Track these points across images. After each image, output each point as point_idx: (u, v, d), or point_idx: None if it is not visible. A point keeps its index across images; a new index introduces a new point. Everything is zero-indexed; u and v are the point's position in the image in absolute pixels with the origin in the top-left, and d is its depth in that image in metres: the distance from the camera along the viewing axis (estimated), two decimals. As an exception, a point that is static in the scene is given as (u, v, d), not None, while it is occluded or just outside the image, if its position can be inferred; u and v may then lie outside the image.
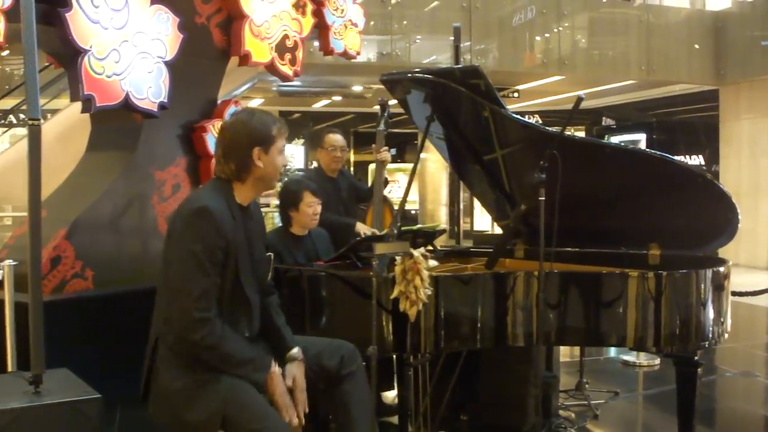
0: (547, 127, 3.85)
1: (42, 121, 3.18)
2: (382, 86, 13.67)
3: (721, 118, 14.48)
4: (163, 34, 5.30)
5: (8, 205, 12.18)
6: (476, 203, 14.12)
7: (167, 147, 5.70)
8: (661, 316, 3.66)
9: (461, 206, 6.99)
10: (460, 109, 3.93)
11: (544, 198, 3.33)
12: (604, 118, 18.41)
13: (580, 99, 3.44)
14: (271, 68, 6.35)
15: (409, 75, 3.97)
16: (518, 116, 3.83)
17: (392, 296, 3.39)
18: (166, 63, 5.33)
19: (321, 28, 6.87)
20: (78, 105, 5.00)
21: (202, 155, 5.89)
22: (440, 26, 12.88)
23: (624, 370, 6.48)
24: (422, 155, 13.05)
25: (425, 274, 3.28)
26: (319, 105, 18.24)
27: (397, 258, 3.34)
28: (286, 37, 6.37)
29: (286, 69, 6.45)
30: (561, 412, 4.99)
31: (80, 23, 4.73)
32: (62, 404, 3.09)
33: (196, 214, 2.86)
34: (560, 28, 13.38)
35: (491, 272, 3.75)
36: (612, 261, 4.11)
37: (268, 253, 3.39)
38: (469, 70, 3.77)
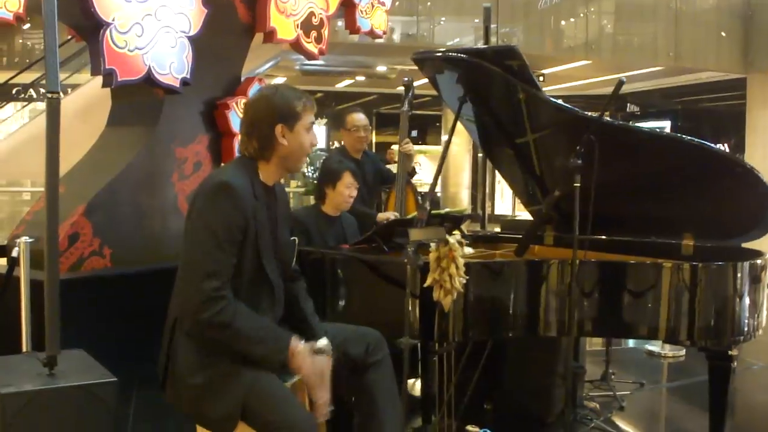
0: (584, 112, 3.69)
1: (61, 94, 3.07)
2: (406, 67, 13.56)
3: (748, 106, 14.23)
4: (187, 8, 5.16)
5: (27, 180, 12.14)
6: (497, 187, 14.06)
7: (189, 124, 5.58)
8: (695, 308, 3.51)
9: (486, 190, 6.82)
10: (494, 90, 3.77)
11: (579, 184, 3.19)
12: (628, 104, 18.19)
13: (621, 83, 3.29)
14: (296, 46, 6.21)
15: (443, 54, 3.82)
16: (554, 99, 3.68)
17: (426, 284, 3.25)
18: (190, 38, 5.21)
19: (347, 6, 6.72)
20: (98, 80, 4.89)
21: (224, 133, 5.78)
22: (464, 8, 12.68)
23: (649, 361, 6.34)
24: (445, 137, 12.86)
25: (461, 261, 3.14)
26: (342, 85, 18.09)
27: (432, 245, 3.20)
28: (312, 14, 6.23)
29: (312, 47, 6.31)
30: (585, 402, 4.86)
31: (103, -5, 4.62)
32: (77, 387, 2.99)
33: (217, 189, 2.74)
34: (588, 13, 13.16)
35: (525, 260, 3.62)
36: (644, 250, 3.96)
37: (292, 237, 3.25)
38: (506, 50, 3.62)
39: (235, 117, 5.74)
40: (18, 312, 3.92)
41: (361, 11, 6.84)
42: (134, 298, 4.82)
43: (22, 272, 3.86)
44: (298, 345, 2.78)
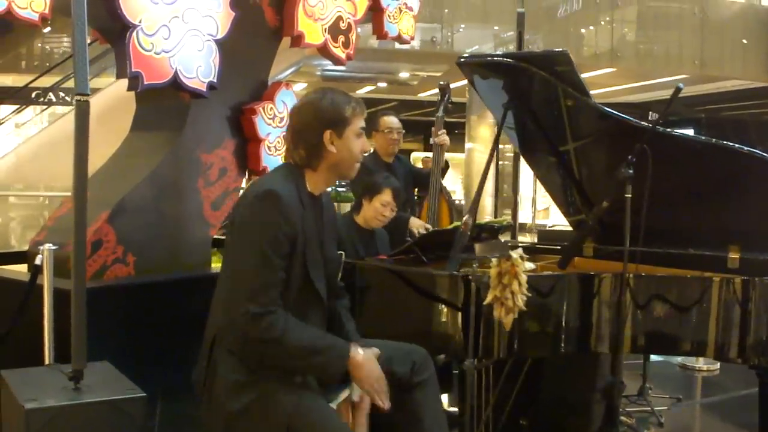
0: (637, 120, 3.54)
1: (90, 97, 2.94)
2: (428, 73, 13.43)
3: (774, 115, 14.08)
4: (214, 11, 5.05)
5: (43, 184, 12.06)
6: (520, 195, 13.89)
7: (215, 129, 5.46)
8: (748, 325, 3.36)
9: (516, 200, 6.65)
10: (540, 95, 3.63)
11: (630, 195, 3.04)
12: (651, 112, 18.01)
13: (678, 89, 3.14)
14: (323, 51, 6.09)
15: (490, 59, 3.69)
16: (605, 107, 3.53)
17: (486, 302, 3.09)
18: (217, 41, 5.10)
19: (375, 11, 6.60)
20: (120, 84, 4.79)
21: (250, 138, 5.66)
22: (487, 15, 12.55)
23: (683, 375, 6.17)
24: (468, 145, 12.73)
25: (524, 278, 2.98)
26: (363, 91, 17.99)
27: (493, 259, 3.04)
28: (340, 18, 6.11)
29: (339, 52, 6.19)
30: (623, 418, 4.70)
31: (130, -4, 4.52)
32: (104, 403, 2.85)
33: (262, 198, 2.58)
34: (612, 20, 13.00)
35: (577, 273, 3.46)
36: (690, 263, 3.80)
37: (339, 251, 3.10)
38: (557, 55, 3.47)
39: (261, 122, 5.63)
40: (40, 322, 3.79)
41: (389, 16, 6.72)
42: (158, 307, 4.70)
43: (46, 281, 3.73)
44: (359, 351, 2.63)
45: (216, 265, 5.88)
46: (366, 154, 5.69)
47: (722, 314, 3.38)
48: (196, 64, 4.97)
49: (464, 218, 3.41)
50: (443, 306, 3.18)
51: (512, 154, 21.99)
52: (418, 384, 2.80)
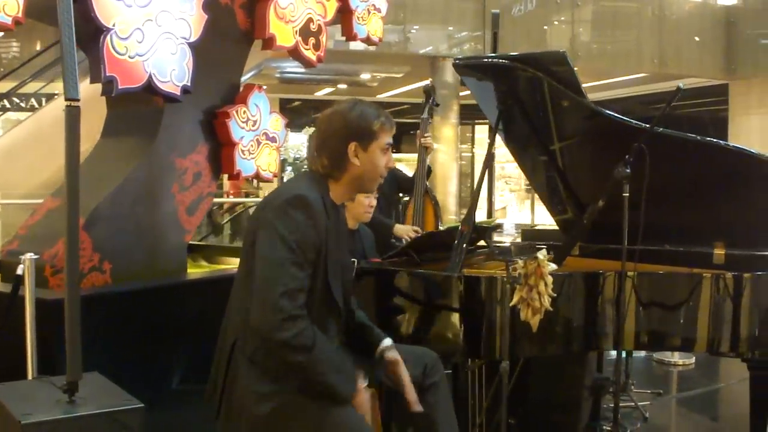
0: (634, 121, 3.55)
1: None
2: (389, 75, 13.35)
3: (731, 113, 14.29)
4: (187, 13, 4.98)
5: (-1, 192, 11.79)
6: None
7: (188, 133, 5.39)
8: (740, 319, 3.39)
9: (492, 200, 6.64)
10: (536, 96, 3.64)
11: (627, 194, 3.05)
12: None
13: (679, 89, 3.16)
14: (294, 53, 6.04)
15: (489, 61, 3.66)
16: (601, 108, 3.55)
17: (512, 303, 3.08)
18: (190, 44, 5.02)
19: (344, 13, 6.56)
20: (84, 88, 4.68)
21: (224, 142, 5.59)
22: (440, 16, 12.55)
23: (660, 369, 6.23)
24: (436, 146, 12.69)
25: (550, 279, 2.98)
26: (322, 93, 17.90)
27: (519, 260, 3.03)
28: (310, 20, 6.06)
29: (310, 54, 6.15)
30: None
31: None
32: (101, 415, 2.77)
33: (293, 202, 2.53)
34: (572, 20, 13.10)
35: (582, 272, 3.46)
36: (677, 260, 3.84)
37: (352, 259, 3.06)
38: (555, 56, 3.48)
39: (235, 126, 5.57)
40: (21, 334, 3.70)
41: (358, 18, 6.69)
42: (138, 316, 4.62)
43: (27, 292, 3.65)
44: (364, 385, 2.62)
45: (192, 271, 5.83)
46: None
47: (715, 309, 3.40)
48: (170, 67, 4.90)
49: (465, 220, 3.39)
50: (439, 306, 3.15)
51: (470, 155, 21.96)
52: (430, 386, 2.79)
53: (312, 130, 9.43)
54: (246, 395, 2.49)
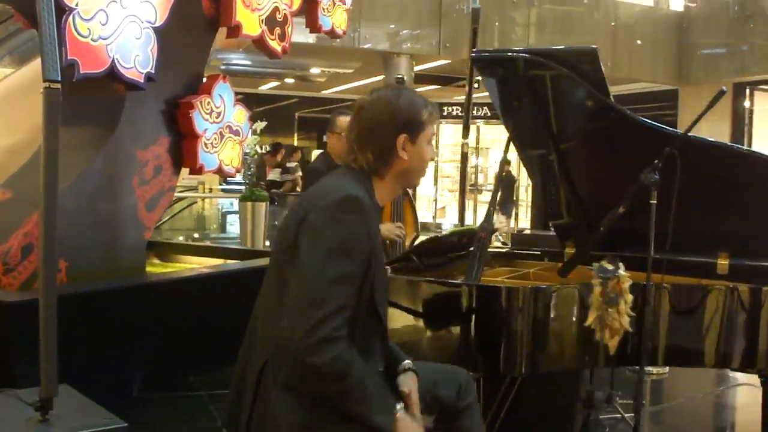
0: (665, 126, 3.38)
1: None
2: (340, 70, 13.00)
3: (680, 118, 14.39)
4: (153, -4, 4.68)
5: None
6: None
7: (150, 124, 5.09)
8: (759, 332, 3.25)
9: (476, 204, 6.43)
10: (558, 93, 3.42)
11: (655, 201, 2.87)
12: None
13: (722, 92, 3.01)
14: (260, 43, 5.77)
15: (510, 54, 3.42)
16: (629, 111, 3.35)
17: (588, 323, 2.86)
18: (155, 29, 4.73)
19: (310, 3, 6.32)
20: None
21: (187, 135, 5.30)
22: (395, 13, 12.33)
23: (634, 379, 6.08)
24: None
25: (630, 297, 2.74)
26: (266, 87, 17.52)
27: (595, 275, 2.80)
28: (276, 9, 5.81)
29: (275, 44, 5.89)
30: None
31: (66, -23, 4.12)
32: (80, 436, 2.48)
33: (345, 205, 2.21)
34: (528, 23, 13.01)
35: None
36: (681, 269, 3.67)
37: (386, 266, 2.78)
38: (586, 52, 3.28)
39: (199, 118, 5.28)
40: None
41: (323, 9, 6.46)
42: (97, 320, 4.30)
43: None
44: (402, 409, 2.29)
45: (151, 270, 5.53)
46: (318, 156, 5.43)
47: (731, 322, 3.26)
48: (134, 53, 4.60)
49: (483, 226, 3.18)
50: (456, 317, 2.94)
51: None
52: (464, 409, 2.52)
53: (262, 124, 9.13)
54: (281, 426, 2.18)
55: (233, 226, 14.21)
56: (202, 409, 4.60)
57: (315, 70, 14.36)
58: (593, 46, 3.36)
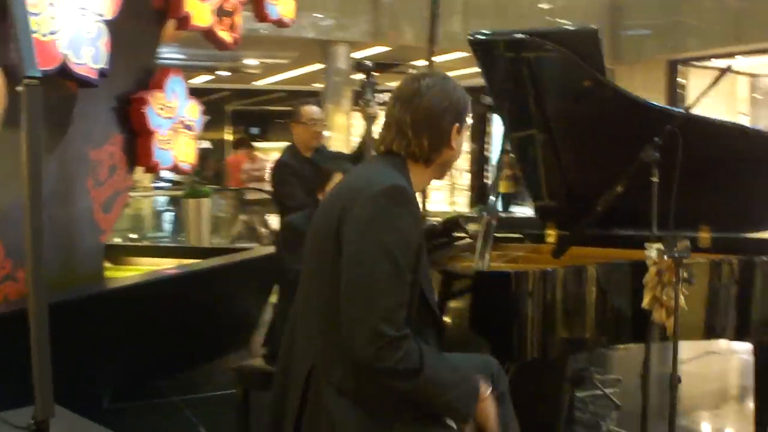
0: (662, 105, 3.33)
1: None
2: (277, 60, 12.72)
3: (615, 97, 14.51)
4: (103, -13, 4.46)
5: None
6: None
7: (103, 122, 4.87)
8: (752, 304, 3.25)
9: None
10: (554, 73, 3.33)
11: (657, 179, 2.81)
12: (482, 95, 18.20)
13: (725, 70, 2.96)
14: (209, 34, 5.58)
15: (508, 36, 3.32)
16: (624, 90, 3.31)
17: (644, 304, 2.77)
18: (107, 22, 4.50)
19: (257, -8, 6.13)
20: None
21: (140, 131, 5.09)
22: (336, 2, 12.14)
23: (602, 353, 6.06)
24: (326, 133, 12.20)
25: (685, 276, 2.67)
26: (200, 81, 17.12)
27: (649, 255, 2.70)
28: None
29: (225, 35, 5.70)
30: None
31: (13, -32, 3.86)
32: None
33: (393, 196, 2.07)
34: (462, 9, 12.93)
35: (629, 262, 3.19)
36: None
37: None
38: (586, 33, 3.19)
39: (152, 114, 5.08)
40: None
41: (271, -2, 6.27)
42: (60, 331, 4.06)
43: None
44: (486, 387, 2.22)
45: (110, 274, 5.32)
46: (285, 148, 5.24)
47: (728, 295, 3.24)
48: (86, 48, 4.37)
49: (491, 211, 3.09)
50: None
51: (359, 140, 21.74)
52: (497, 398, 2.42)
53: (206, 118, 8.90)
54: (337, 429, 2.05)
55: (170, 225, 13.94)
56: (179, 416, 4.45)
57: (251, 62, 14.09)
58: (594, 26, 3.28)
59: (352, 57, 12.53)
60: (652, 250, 2.72)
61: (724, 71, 3.03)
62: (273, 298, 6.19)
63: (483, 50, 3.40)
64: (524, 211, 12.16)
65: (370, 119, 5.10)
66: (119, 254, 6.32)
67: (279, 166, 4.82)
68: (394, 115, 2.25)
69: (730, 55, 12.43)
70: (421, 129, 2.20)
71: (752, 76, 14.89)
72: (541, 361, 3.05)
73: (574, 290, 3.02)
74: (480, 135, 18.34)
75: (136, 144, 5.12)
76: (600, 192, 3.14)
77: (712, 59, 13.50)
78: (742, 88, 15.24)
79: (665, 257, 2.65)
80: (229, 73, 15.10)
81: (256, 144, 14.25)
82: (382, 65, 14.34)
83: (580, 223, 3.21)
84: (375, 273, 2.01)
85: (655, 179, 2.81)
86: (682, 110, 3.25)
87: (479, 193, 17.70)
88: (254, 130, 20.05)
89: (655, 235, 2.88)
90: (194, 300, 5.15)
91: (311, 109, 4.92)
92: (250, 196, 12.36)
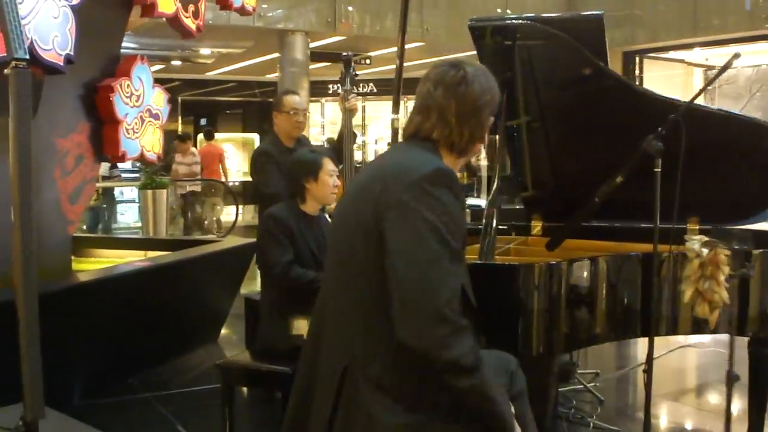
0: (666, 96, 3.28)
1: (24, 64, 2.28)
2: (232, 50, 12.47)
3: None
4: (69, -29, 4.31)
5: None
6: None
7: (69, 110, 4.71)
8: (748, 298, 3.22)
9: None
10: (554, 61, 3.27)
11: (660, 169, 2.77)
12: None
13: (737, 55, 2.90)
14: (174, 21, 5.44)
15: (510, 21, 3.26)
16: (626, 79, 3.25)
17: (686, 300, 2.72)
18: (72, 7, 4.35)
19: (221, -20, 6.00)
20: None
21: (107, 120, 4.94)
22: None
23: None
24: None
25: (727, 269, 2.61)
26: (152, 70, 16.75)
27: (691, 248, 2.65)
28: (189, -14, 5.48)
29: (190, 23, 5.57)
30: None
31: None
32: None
33: (436, 179, 1.96)
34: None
35: (640, 254, 3.14)
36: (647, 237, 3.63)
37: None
38: (591, 20, 3.14)
39: (119, 102, 4.93)
40: None
41: (234, -15, 6.14)
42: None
43: None
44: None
45: (79, 267, 5.17)
46: (266, 138, 5.10)
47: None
48: (53, 33, 4.22)
49: (491, 202, 3.04)
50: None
51: (321, 132, 21.43)
52: (516, 396, 2.36)
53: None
54: (377, 428, 1.95)
55: (124, 216, 13.67)
56: (152, 412, 4.33)
57: (205, 51, 13.86)
58: (600, 11, 3.23)
59: (311, 47, 12.40)
60: (695, 243, 2.67)
61: (734, 57, 2.96)
62: (248, 290, 6.10)
63: (484, 37, 3.34)
64: (479, 203, 12.12)
65: (349, 111, 5.04)
66: (80, 246, 6.16)
67: (259, 154, 4.72)
68: (437, 101, 2.12)
69: (687, 46, 12.53)
70: (466, 118, 2.11)
71: (708, 68, 15.07)
72: (546, 357, 2.99)
73: (586, 283, 2.97)
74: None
75: (103, 133, 4.96)
76: (593, 183, 3.10)
77: (669, 51, 13.62)
78: (697, 78, 15.42)
79: (717, 249, 2.60)
80: (180, 63, 14.79)
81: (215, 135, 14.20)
82: (335, 56, 14.26)
83: (577, 214, 3.16)
84: (430, 255, 1.90)
85: (657, 170, 2.76)
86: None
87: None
88: (203, 122, 19.80)
89: (660, 227, 2.84)
90: (164, 294, 5.03)
91: (293, 99, 4.81)
92: (190, 188, 12.36)
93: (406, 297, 1.89)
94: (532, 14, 3.16)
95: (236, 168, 19.01)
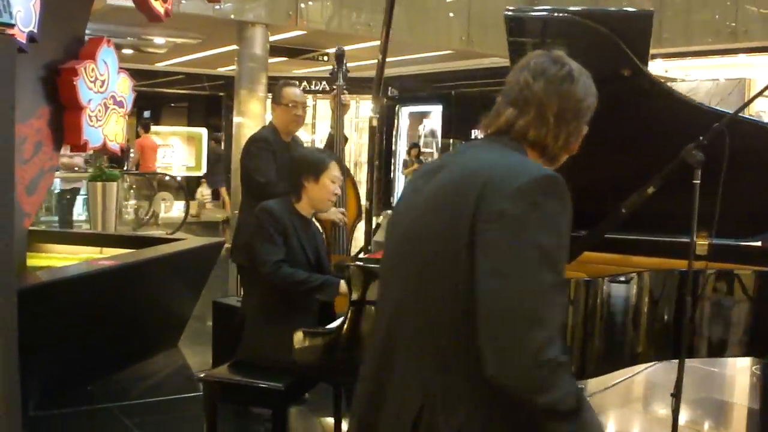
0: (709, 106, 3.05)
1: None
2: (187, 41, 12.04)
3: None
4: (34, -59, 3.96)
5: None
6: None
7: (29, 93, 4.34)
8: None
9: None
10: (590, 58, 3.00)
11: (698, 181, 2.55)
12: (389, 87, 18.00)
13: None
14: (142, 5, 5.10)
15: (551, 14, 2.99)
16: (665, 84, 3.01)
17: None
18: (37, -19, 4.01)
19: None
20: None
21: (68, 105, 4.57)
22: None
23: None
24: (237, 119, 11.62)
25: None
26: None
27: None
28: (159, -33, 5.15)
29: (158, 6, 5.23)
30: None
31: None
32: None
33: (547, 188, 1.65)
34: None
35: (678, 270, 2.90)
36: (658, 250, 3.41)
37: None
38: (640, 16, 2.88)
39: (83, 86, 4.57)
40: None
41: (204, -30, 5.83)
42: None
43: None
44: None
45: (34, 263, 4.80)
46: (264, 129, 4.81)
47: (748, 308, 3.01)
48: (15, 8, 3.85)
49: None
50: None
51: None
52: None
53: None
54: None
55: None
56: (116, 424, 3.99)
57: (159, 41, 13.37)
58: (651, 9, 2.99)
59: (271, 41, 12.02)
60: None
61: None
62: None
63: (519, 29, 3.09)
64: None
65: (342, 108, 4.79)
66: (32, 240, 5.77)
67: (255, 139, 4.44)
68: (537, 95, 1.82)
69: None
70: (566, 120, 1.81)
71: (667, 80, 15.09)
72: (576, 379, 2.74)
73: (627, 301, 2.74)
74: (389, 128, 18.13)
75: (64, 119, 4.60)
76: (613, 192, 2.89)
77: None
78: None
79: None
80: (131, 52, 14.25)
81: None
82: (295, 51, 13.95)
83: (600, 224, 2.92)
84: (536, 284, 1.59)
85: (697, 181, 2.54)
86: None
87: (385, 188, 17.46)
88: (146, 114, 19.32)
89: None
90: (124, 296, 4.70)
91: (293, 91, 4.53)
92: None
93: (503, 331, 1.58)
94: (577, 8, 2.88)
95: (180, 162, 18.59)
